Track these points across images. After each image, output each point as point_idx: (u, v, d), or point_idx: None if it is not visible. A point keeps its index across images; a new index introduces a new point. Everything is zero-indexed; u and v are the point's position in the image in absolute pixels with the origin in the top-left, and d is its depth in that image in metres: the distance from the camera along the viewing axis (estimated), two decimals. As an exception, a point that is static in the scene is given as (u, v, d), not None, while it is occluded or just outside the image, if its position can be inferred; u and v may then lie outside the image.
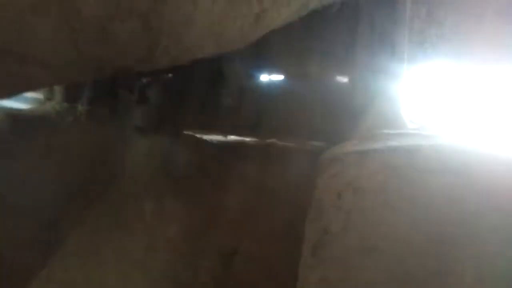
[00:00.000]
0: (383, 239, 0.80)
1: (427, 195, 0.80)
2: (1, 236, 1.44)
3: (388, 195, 0.82)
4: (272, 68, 1.82)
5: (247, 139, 1.88)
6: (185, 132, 1.91)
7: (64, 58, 0.88)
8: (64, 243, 1.62)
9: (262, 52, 1.75)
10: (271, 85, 1.83)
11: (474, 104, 1.43)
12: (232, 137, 1.97)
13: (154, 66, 1.14)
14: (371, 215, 0.82)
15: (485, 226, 0.78)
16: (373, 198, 0.82)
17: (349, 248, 0.82)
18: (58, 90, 1.69)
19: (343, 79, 1.66)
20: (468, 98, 1.44)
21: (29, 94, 3.85)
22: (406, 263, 0.78)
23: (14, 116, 1.47)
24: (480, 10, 1.35)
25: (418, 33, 1.39)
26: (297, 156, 1.70)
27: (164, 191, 1.76)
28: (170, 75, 1.94)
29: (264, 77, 1.84)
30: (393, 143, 0.90)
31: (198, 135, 1.94)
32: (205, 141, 1.91)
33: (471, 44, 1.39)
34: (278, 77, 1.84)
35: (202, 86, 1.85)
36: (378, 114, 1.30)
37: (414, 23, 1.37)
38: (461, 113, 1.42)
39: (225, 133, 1.94)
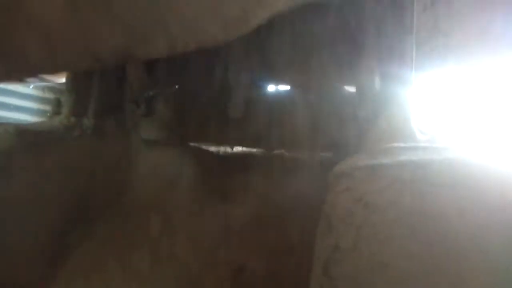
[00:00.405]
0: (395, 255, 0.79)
1: (438, 210, 0.79)
2: (8, 249, 1.45)
3: (399, 210, 0.80)
4: (278, 78, 1.82)
5: (254, 150, 1.87)
6: (192, 144, 1.91)
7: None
8: (71, 257, 1.62)
9: (267, 62, 1.75)
10: (277, 96, 1.83)
11: (482, 114, 1.42)
12: (238, 149, 1.96)
13: (153, 50, 1.10)
14: (382, 231, 0.81)
15: (497, 240, 0.77)
16: (384, 213, 0.81)
17: (360, 265, 0.81)
18: (65, 104, 1.70)
19: (351, 89, 1.66)
20: (476, 107, 1.43)
21: (35, 106, 3.88)
22: (419, 279, 0.77)
23: (22, 130, 1.48)
24: (485, 23, 1.34)
25: (425, 43, 1.38)
26: (305, 167, 1.69)
27: (171, 204, 1.76)
28: (176, 86, 1.95)
29: (270, 88, 1.84)
30: (403, 157, 0.89)
31: (204, 147, 1.94)
32: (212, 153, 1.91)
33: (477, 55, 1.38)
34: (284, 88, 1.84)
35: (208, 98, 1.85)
36: (387, 124, 1.29)
37: (421, 33, 1.37)
38: (470, 122, 1.41)
39: (232, 144, 1.94)
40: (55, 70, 1.26)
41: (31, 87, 3.74)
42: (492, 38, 1.36)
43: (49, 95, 3.90)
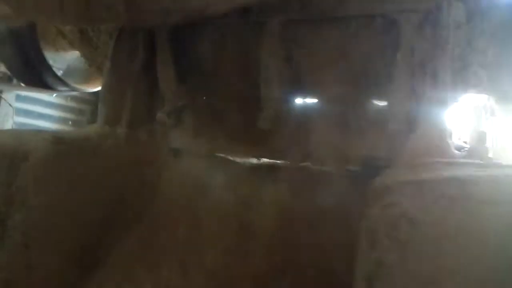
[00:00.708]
0: (442, 272, 0.79)
1: (485, 227, 0.79)
2: (40, 259, 1.47)
3: (446, 227, 0.81)
4: (307, 91, 1.83)
5: (280, 162, 1.88)
6: (219, 155, 1.93)
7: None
8: (101, 266, 1.64)
9: (297, 75, 1.77)
10: (306, 109, 1.84)
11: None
12: (265, 160, 1.97)
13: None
14: (429, 247, 0.81)
15: None
16: (430, 230, 0.82)
17: (406, 281, 0.81)
18: (100, 113, 1.74)
19: (381, 103, 1.66)
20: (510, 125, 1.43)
21: (58, 114, 3.96)
22: (465, 297, 0.77)
23: (59, 138, 1.51)
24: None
25: (458, 60, 1.39)
26: (331, 180, 1.69)
27: (199, 213, 1.77)
28: (204, 97, 1.97)
29: (300, 101, 1.85)
30: (448, 173, 0.90)
31: (231, 158, 1.96)
32: (239, 163, 1.92)
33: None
34: (313, 100, 1.85)
35: (238, 110, 1.87)
36: (423, 140, 1.29)
37: (455, 51, 1.38)
38: (505, 140, 1.40)
39: (259, 156, 1.95)
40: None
41: (54, 95, 3.81)
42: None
43: (72, 103, 3.98)
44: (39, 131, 1.57)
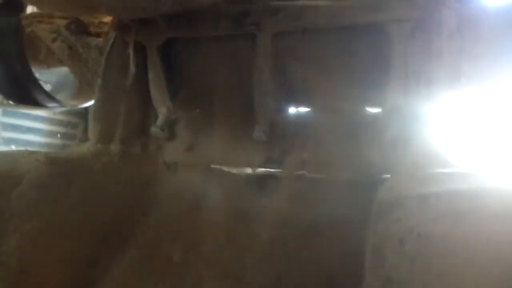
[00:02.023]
0: (451, 288, 0.79)
1: (494, 242, 0.79)
2: (36, 282, 1.44)
3: (454, 242, 0.81)
4: (301, 100, 1.83)
5: (276, 171, 1.87)
6: (215, 166, 1.91)
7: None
8: (99, 284, 1.61)
9: (291, 84, 1.77)
10: (301, 118, 1.83)
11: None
12: (261, 170, 1.96)
13: None
14: (437, 263, 0.81)
15: None
16: (438, 246, 0.82)
17: (415, 298, 0.81)
18: (92, 131, 1.71)
19: (376, 111, 1.66)
20: (506, 131, 1.44)
21: (46, 127, 3.90)
22: (475, 313, 0.77)
23: (53, 159, 1.49)
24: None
25: (452, 68, 1.40)
26: (328, 189, 1.68)
27: (195, 228, 1.76)
28: (198, 110, 1.96)
29: (294, 110, 1.85)
30: (453, 186, 0.90)
31: (227, 169, 1.94)
32: (234, 174, 1.91)
33: (505, 79, 1.40)
34: (308, 110, 1.84)
35: (232, 121, 1.86)
36: (420, 149, 1.30)
37: (448, 59, 1.39)
38: (500, 146, 1.42)
39: (254, 166, 1.94)
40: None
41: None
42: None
43: (60, 116, 3.93)
44: (31, 152, 1.54)
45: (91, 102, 2.15)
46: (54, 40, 1.88)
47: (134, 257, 1.63)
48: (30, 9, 2.09)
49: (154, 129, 1.78)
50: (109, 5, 1.28)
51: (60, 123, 4.02)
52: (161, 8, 1.32)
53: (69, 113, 3.97)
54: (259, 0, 1.62)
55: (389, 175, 1.48)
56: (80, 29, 1.89)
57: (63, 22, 1.88)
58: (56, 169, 1.48)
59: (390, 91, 1.52)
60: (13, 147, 3.49)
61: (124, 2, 1.30)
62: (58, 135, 4.00)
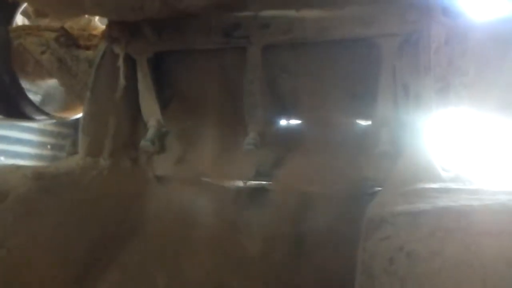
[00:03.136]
0: (441, 307, 0.79)
1: (484, 260, 0.79)
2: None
3: (444, 260, 0.80)
4: (291, 113, 1.84)
5: (267, 183, 1.87)
6: (205, 179, 1.91)
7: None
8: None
9: (281, 97, 1.77)
10: (291, 131, 1.83)
11: (500, 150, 1.44)
12: (251, 182, 1.96)
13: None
14: (428, 282, 0.80)
15: None
16: (428, 264, 0.81)
17: (406, 317, 0.80)
18: (81, 144, 1.69)
19: (366, 124, 1.67)
20: (494, 144, 1.45)
21: (35, 138, 3.86)
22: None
23: (40, 174, 1.47)
24: (499, 61, 1.38)
25: (440, 81, 1.40)
26: (319, 203, 1.68)
27: (184, 239, 1.74)
28: (188, 123, 1.95)
29: (284, 123, 1.85)
30: (443, 202, 0.89)
31: (217, 182, 1.93)
32: (224, 187, 1.91)
33: (492, 93, 1.41)
34: (297, 122, 1.85)
35: (222, 134, 1.85)
36: (409, 162, 1.30)
37: (436, 72, 1.39)
38: (490, 159, 1.42)
39: (245, 178, 1.93)
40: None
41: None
42: (506, 75, 1.39)
43: (50, 127, 3.89)
44: (18, 167, 1.52)
45: (79, 115, 2.13)
46: (43, 52, 1.86)
47: (119, 280, 1.61)
48: (19, 21, 2.08)
49: (144, 143, 1.77)
50: (95, 1, 1.26)
51: (50, 133, 3.98)
52: (149, 8, 1.30)
53: (60, 124, 3.93)
54: (249, 12, 1.63)
55: (379, 189, 1.49)
56: (69, 42, 1.88)
57: (52, 35, 1.87)
58: (43, 184, 1.46)
59: (379, 104, 1.53)
60: (2, 159, 3.45)
61: None
62: (49, 146, 3.95)
